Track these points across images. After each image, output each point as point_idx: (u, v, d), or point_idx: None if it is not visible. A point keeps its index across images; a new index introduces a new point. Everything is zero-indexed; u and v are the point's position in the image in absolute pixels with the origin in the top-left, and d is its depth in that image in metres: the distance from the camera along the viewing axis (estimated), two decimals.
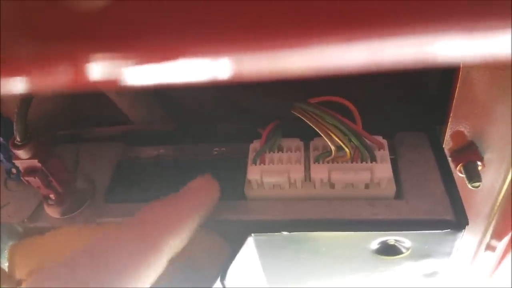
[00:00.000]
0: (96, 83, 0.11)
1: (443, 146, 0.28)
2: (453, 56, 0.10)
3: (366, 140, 0.24)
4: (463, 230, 0.22)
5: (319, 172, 0.24)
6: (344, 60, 0.10)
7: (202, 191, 0.24)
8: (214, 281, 0.23)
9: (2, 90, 0.11)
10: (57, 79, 0.11)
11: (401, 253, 0.24)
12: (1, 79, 0.11)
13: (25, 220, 0.27)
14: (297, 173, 0.24)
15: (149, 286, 0.20)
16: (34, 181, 0.24)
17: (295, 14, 0.10)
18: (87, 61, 0.11)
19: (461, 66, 0.24)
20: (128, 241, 0.20)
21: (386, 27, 0.10)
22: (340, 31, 0.10)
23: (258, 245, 0.25)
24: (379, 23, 0.10)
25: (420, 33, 0.10)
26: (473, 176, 0.28)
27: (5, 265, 0.29)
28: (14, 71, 0.11)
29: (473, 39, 0.10)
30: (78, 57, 0.11)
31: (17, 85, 0.11)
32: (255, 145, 0.26)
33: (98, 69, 0.11)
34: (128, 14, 0.10)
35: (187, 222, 0.22)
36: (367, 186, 0.24)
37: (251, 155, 0.25)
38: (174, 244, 0.21)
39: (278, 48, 0.10)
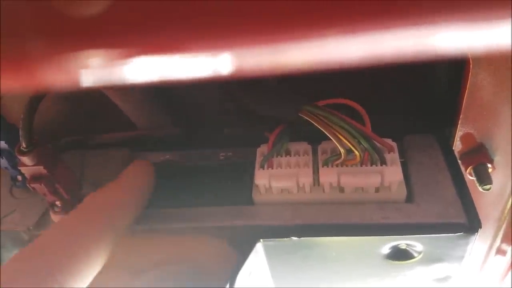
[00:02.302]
0: (99, 79, 0.11)
1: (453, 148, 0.28)
2: (454, 47, 0.10)
3: (376, 143, 0.24)
4: (476, 233, 0.22)
5: (328, 175, 0.24)
6: (345, 53, 0.10)
7: (133, 171, 0.25)
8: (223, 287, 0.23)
9: (7, 89, 0.11)
10: (62, 76, 0.11)
11: (413, 257, 0.24)
12: (7, 77, 0.11)
13: (31, 227, 0.27)
14: (306, 177, 0.24)
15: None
16: (40, 188, 0.24)
17: (294, 7, 0.10)
18: (89, 57, 0.11)
19: (471, 67, 0.23)
20: (72, 227, 0.21)
21: (387, 18, 0.10)
22: (341, 22, 0.10)
23: (267, 251, 0.25)
24: (380, 14, 0.09)
25: (421, 24, 0.09)
26: (484, 178, 0.27)
27: None
28: (20, 70, 0.11)
29: (474, 30, 0.09)
30: (80, 53, 0.11)
31: (24, 84, 0.11)
32: (262, 149, 0.26)
33: (101, 65, 0.11)
34: (130, 9, 0.10)
35: (124, 200, 0.23)
36: (377, 190, 0.24)
37: (258, 160, 0.25)
38: (118, 224, 0.22)
39: (277, 41, 0.10)
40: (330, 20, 0.10)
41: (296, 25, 0.10)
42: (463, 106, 0.25)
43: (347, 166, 0.24)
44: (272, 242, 0.24)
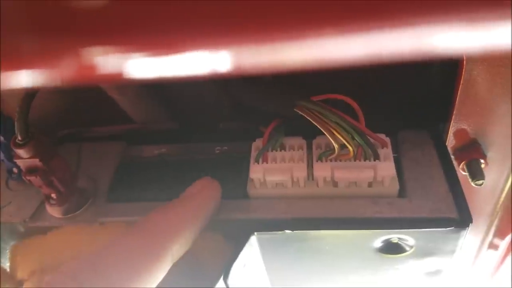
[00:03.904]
0: (98, 76, 0.11)
1: (446, 144, 0.28)
2: (452, 48, 0.10)
3: (369, 138, 0.24)
4: (467, 228, 0.22)
5: (322, 170, 0.24)
6: (343, 52, 0.10)
7: (203, 195, 0.24)
8: (217, 280, 0.23)
9: (4, 85, 0.11)
10: (59, 72, 0.11)
11: (405, 251, 0.24)
12: (4, 73, 0.11)
13: (27, 219, 0.27)
14: (300, 171, 0.24)
15: None
16: (36, 180, 0.24)
17: (293, 6, 0.10)
18: (88, 54, 0.11)
19: (464, 63, 0.24)
20: (131, 249, 0.20)
21: (385, 19, 0.10)
22: (339, 22, 0.10)
23: (261, 244, 0.25)
24: (378, 14, 0.10)
25: (419, 24, 0.10)
26: (476, 174, 0.28)
27: (7, 265, 0.29)
28: (17, 65, 0.11)
29: (472, 30, 0.10)
30: (79, 50, 0.11)
31: (21, 79, 0.11)
32: (257, 143, 0.26)
33: (100, 63, 0.11)
34: (129, 7, 0.10)
35: (190, 227, 0.22)
36: (370, 185, 0.24)
37: (253, 154, 0.25)
38: (177, 250, 0.21)
39: (276, 40, 0.10)
40: (327, 20, 0.10)
41: (293, 24, 0.10)
42: (456, 102, 0.26)
43: (341, 161, 0.24)
44: (266, 235, 0.24)
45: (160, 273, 0.20)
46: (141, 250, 0.20)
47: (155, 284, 0.20)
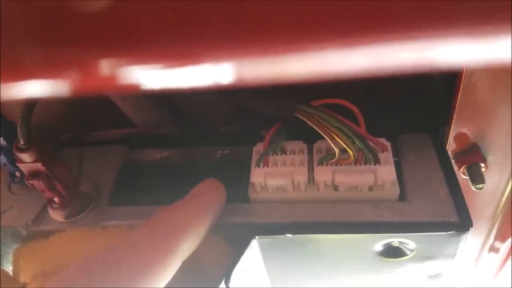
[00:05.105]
0: (101, 87, 0.11)
1: (446, 148, 0.28)
2: (453, 61, 0.10)
3: (370, 142, 0.24)
4: (467, 232, 0.22)
5: (323, 174, 0.24)
6: (346, 65, 0.10)
7: (210, 193, 0.24)
8: (218, 283, 0.23)
9: (6, 95, 0.11)
10: (63, 83, 0.11)
11: (405, 255, 0.24)
12: (7, 84, 0.11)
13: (29, 223, 0.27)
14: (301, 175, 0.24)
15: None
16: (38, 184, 0.24)
17: (294, 20, 0.10)
18: (91, 65, 0.11)
19: (464, 68, 0.24)
20: (141, 246, 0.20)
21: (387, 32, 0.10)
22: (341, 36, 0.10)
23: (262, 248, 0.25)
24: (380, 28, 0.10)
25: (420, 38, 0.10)
26: (477, 178, 0.28)
27: (10, 269, 0.29)
28: (20, 76, 0.11)
29: (473, 44, 0.10)
30: (82, 61, 0.11)
31: (23, 90, 0.11)
32: (258, 147, 0.26)
33: (104, 74, 0.11)
34: (132, 18, 0.10)
35: (199, 224, 0.22)
36: (370, 189, 0.24)
37: (254, 158, 0.26)
38: (187, 246, 0.21)
39: (277, 53, 0.10)
40: (330, 33, 0.10)
41: (295, 37, 0.10)
42: (456, 106, 0.26)
43: (341, 165, 0.24)
44: (267, 239, 0.24)
45: (171, 270, 0.20)
46: (152, 247, 0.20)
47: (166, 281, 0.20)
